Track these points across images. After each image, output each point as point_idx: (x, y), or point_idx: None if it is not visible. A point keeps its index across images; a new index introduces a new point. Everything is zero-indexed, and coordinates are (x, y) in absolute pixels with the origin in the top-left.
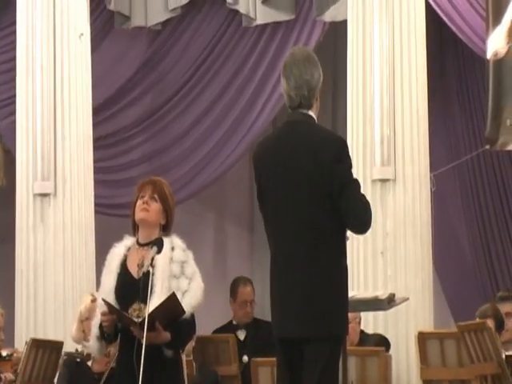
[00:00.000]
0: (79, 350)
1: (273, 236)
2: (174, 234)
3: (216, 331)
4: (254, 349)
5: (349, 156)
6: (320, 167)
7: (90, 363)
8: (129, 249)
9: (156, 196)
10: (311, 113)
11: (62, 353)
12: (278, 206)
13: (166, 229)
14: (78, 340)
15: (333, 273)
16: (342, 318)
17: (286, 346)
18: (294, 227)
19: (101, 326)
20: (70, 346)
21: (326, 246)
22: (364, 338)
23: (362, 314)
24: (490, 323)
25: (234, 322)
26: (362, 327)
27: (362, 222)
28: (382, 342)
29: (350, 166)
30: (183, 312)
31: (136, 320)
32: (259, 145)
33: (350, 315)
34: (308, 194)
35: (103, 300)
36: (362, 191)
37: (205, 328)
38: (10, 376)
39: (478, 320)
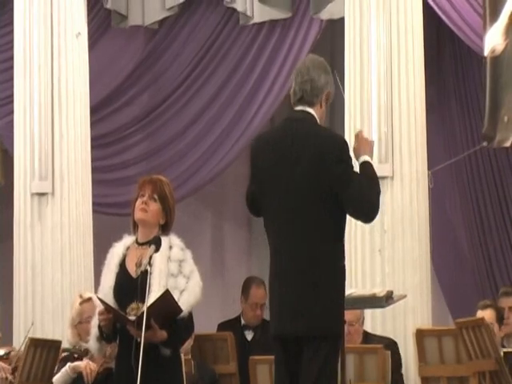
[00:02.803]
0: (77, 346)
1: (272, 233)
2: (172, 232)
3: (221, 325)
4: (260, 349)
5: (349, 155)
6: (322, 167)
7: (87, 359)
8: (128, 248)
9: (156, 196)
10: (312, 111)
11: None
12: (277, 204)
13: (165, 228)
14: (75, 345)
15: (330, 272)
16: (339, 318)
17: (283, 344)
18: (293, 225)
19: (100, 326)
20: (68, 345)
21: (324, 245)
22: (370, 339)
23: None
24: (491, 314)
25: (243, 322)
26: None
27: (367, 216)
28: (391, 347)
29: (351, 165)
30: (180, 310)
31: (131, 318)
32: (258, 139)
33: (353, 316)
34: (307, 193)
35: (99, 299)
36: None
37: (203, 326)
38: (4, 375)
39: (479, 311)
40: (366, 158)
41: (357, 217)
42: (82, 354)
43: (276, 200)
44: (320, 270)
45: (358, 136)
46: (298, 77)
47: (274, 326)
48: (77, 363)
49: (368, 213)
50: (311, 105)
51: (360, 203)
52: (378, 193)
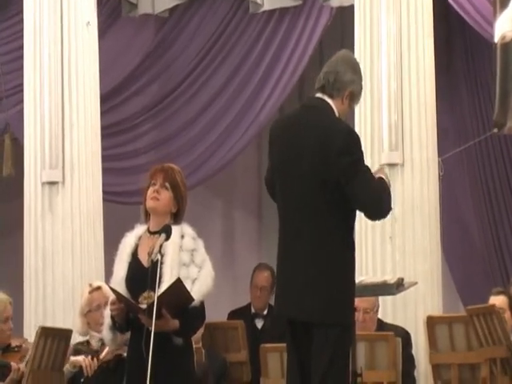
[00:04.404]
0: (87, 336)
1: (281, 217)
2: (184, 222)
3: (232, 313)
4: (271, 338)
5: (357, 147)
6: (325, 158)
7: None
8: (140, 237)
9: (167, 184)
10: (330, 101)
11: (71, 345)
12: (285, 189)
13: (177, 217)
14: (84, 334)
15: (336, 262)
16: (345, 306)
17: (292, 331)
18: (300, 213)
19: (112, 316)
20: (77, 336)
21: (329, 234)
22: (384, 327)
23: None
24: (504, 301)
25: (253, 310)
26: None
27: (372, 213)
28: (404, 337)
29: (358, 158)
30: (191, 299)
31: (143, 307)
32: (274, 123)
33: (369, 304)
34: (313, 181)
35: (111, 288)
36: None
37: (213, 315)
38: (15, 366)
39: (492, 297)
40: (380, 175)
41: (363, 210)
42: (92, 353)
43: (285, 186)
44: (325, 259)
45: (381, 169)
46: (326, 66)
47: (277, 307)
48: (76, 358)
49: (373, 205)
50: (331, 96)
51: (366, 195)
52: (388, 194)
